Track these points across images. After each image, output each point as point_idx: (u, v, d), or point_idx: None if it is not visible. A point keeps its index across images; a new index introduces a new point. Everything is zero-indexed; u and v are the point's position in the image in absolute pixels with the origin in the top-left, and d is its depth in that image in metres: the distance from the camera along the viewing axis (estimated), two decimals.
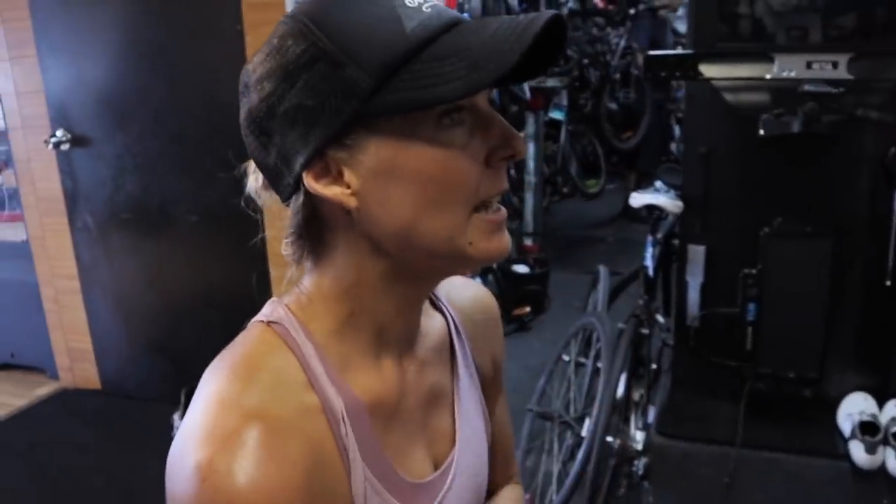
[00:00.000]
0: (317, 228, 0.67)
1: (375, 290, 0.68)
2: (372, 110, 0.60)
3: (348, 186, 0.63)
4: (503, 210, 0.67)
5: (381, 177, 0.62)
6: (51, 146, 3.05)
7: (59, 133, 3.06)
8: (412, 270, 0.68)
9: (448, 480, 0.76)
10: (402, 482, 0.70)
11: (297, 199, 0.66)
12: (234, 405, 0.60)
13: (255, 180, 0.71)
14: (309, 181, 0.63)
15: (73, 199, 3.19)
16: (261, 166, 0.67)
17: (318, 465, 0.62)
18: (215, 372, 0.65)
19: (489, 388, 0.87)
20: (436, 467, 0.76)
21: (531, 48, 0.58)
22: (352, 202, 0.63)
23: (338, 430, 0.65)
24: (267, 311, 0.70)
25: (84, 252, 3.25)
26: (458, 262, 0.66)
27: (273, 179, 0.67)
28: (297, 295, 0.71)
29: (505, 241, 0.67)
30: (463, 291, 0.87)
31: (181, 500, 0.59)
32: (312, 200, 0.65)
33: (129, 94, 3.00)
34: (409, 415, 0.74)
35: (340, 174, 0.63)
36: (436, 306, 0.82)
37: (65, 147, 3.07)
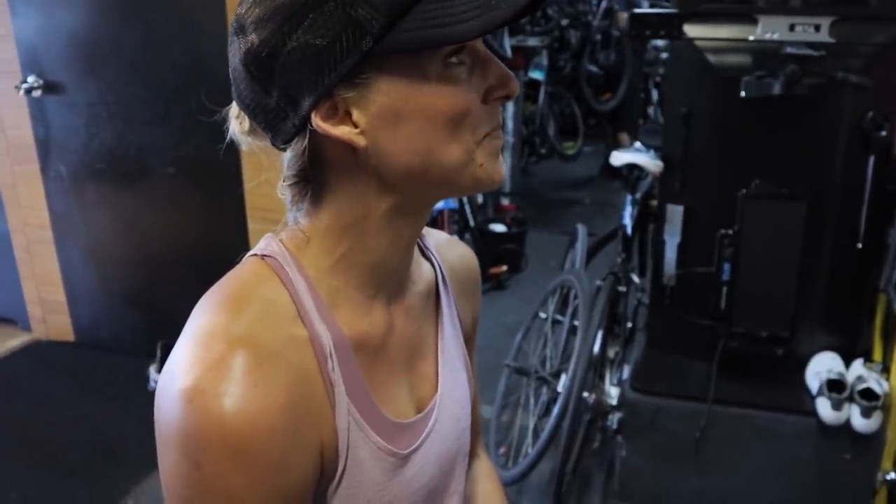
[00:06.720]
0: (319, 170, 0.68)
1: (375, 228, 0.69)
2: (384, 49, 0.60)
3: (356, 126, 0.64)
4: (502, 136, 0.70)
5: (391, 115, 0.63)
6: (22, 92, 2.97)
7: (30, 79, 2.98)
8: (414, 205, 0.70)
9: (430, 424, 0.77)
10: (385, 420, 0.71)
11: (301, 142, 0.66)
12: (222, 334, 0.62)
13: (238, 124, 0.70)
14: (317, 122, 0.63)
15: (45, 147, 3.12)
16: (256, 109, 0.66)
17: (303, 395, 0.63)
18: (205, 304, 0.66)
19: (467, 344, 0.89)
20: (418, 411, 0.77)
21: None
22: (361, 141, 0.64)
23: (325, 364, 0.66)
24: (262, 245, 0.71)
25: (57, 201, 3.19)
26: (468, 185, 0.68)
27: (272, 122, 0.66)
28: (293, 231, 0.71)
29: (503, 166, 0.70)
30: (451, 248, 0.89)
31: (168, 423, 0.60)
32: (316, 142, 0.66)
33: (103, 41, 2.92)
34: (393, 355, 0.75)
35: (348, 114, 0.63)
36: (425, 255, 0.83)
37: (37, 93, 3.00)
